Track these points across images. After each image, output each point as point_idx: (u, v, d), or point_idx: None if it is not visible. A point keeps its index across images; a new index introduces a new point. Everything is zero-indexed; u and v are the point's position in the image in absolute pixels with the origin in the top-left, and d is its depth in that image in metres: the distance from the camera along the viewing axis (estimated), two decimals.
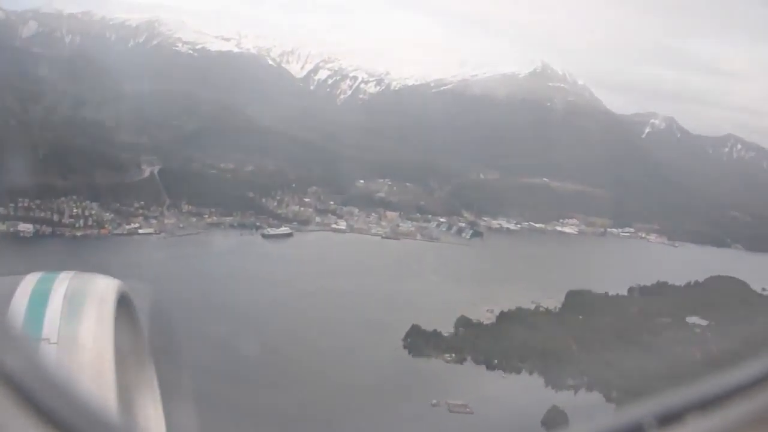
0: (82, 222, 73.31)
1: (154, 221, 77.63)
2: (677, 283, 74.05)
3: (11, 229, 67.04)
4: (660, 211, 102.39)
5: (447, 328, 58.16)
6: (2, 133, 69.20)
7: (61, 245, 66.87)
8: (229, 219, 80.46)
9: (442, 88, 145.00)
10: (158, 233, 75.70)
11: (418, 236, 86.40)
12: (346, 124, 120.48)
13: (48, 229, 69.92)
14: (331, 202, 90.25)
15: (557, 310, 64.86)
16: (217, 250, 71.87)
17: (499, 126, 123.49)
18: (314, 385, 47.86)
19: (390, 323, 57.20)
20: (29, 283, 2.74)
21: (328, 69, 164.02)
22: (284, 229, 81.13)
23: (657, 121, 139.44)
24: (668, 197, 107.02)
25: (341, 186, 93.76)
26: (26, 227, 68.03)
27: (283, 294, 61.83)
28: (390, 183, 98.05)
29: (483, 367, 54.63)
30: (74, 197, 74.47)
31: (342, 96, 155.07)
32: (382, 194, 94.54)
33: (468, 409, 46.16)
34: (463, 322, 59.26)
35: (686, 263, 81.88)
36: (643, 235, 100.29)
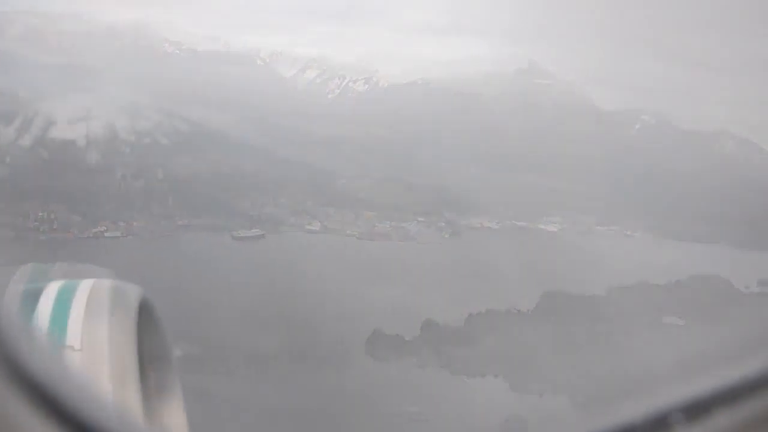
0: (47, 225, 72.07)
1: (122, 224, 76.33)
2: (659, 282, 72.21)
3: None
4: (648, 207, 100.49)
5: (411, 332, 56.46)
6: None
7: (20, 248, 65.48)
8: (200, 221, 79.02)
9: (429, 86, 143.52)
10: (125, 236, 74.35)
11: (394, 236, 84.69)
12: (332, 124, 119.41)
13: (11, 233, 68.69)
14: (309, 202, 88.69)
15: (530, 312, 63.01)
16: (184, 252, 70.48)
17: (485, 123, 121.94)
18: (268, 390, 46.64)
19: (352, 328, 55.52)
20: (52, 290, 2.74)
21: (317, 68, 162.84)
22: (255, 231, 79.59)
23: (647, 117, 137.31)
24: (657, 194, 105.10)
25: (320, 185, 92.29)
26: None
27: (243, 296, 60.36)
28: (371, 182, 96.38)
29: (446, 372, 52.96)
30: (40, 200, 73.31)
31: (330, 95, 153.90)
32: (362, 193, 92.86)
33: (421, 416, 44.50)
34: (429, 326, 57.48)
35: (671, 261, 79.95)
36: (629, 233, 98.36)
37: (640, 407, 1.60)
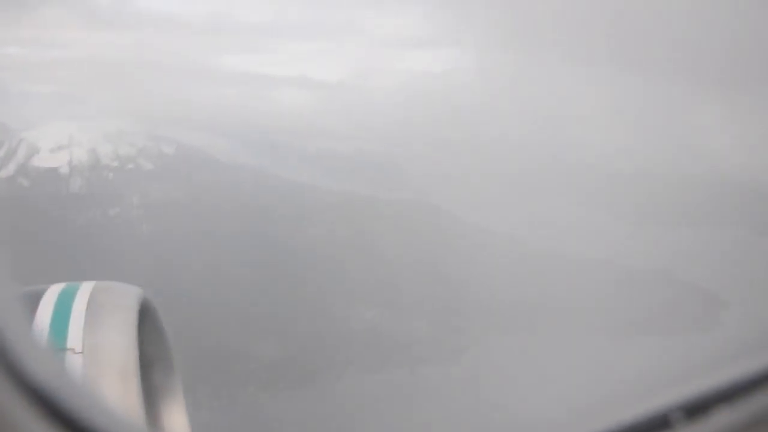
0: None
1: None
2: None
3: None
4: None
5: None
6: None
7: None
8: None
9: (421, 98, 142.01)
10: None
11: None
12: (324, 140, 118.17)
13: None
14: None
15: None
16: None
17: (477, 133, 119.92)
18: None
19: None
20: (53, 294, 2.71)
21: (305, 85, 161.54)
22: None
23: None
24: None
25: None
26: None
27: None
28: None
29: None
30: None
31: (319, 111, 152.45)
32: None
33: None
34: None
35: None
36: None
37: (640, 406, 1.59)
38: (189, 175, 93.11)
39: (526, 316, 59.87)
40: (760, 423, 1.58)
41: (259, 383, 50.20)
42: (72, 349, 2.56)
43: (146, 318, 2.96)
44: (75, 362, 2.50)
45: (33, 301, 2.74)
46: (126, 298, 2.92)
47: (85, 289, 2.85)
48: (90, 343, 2.60)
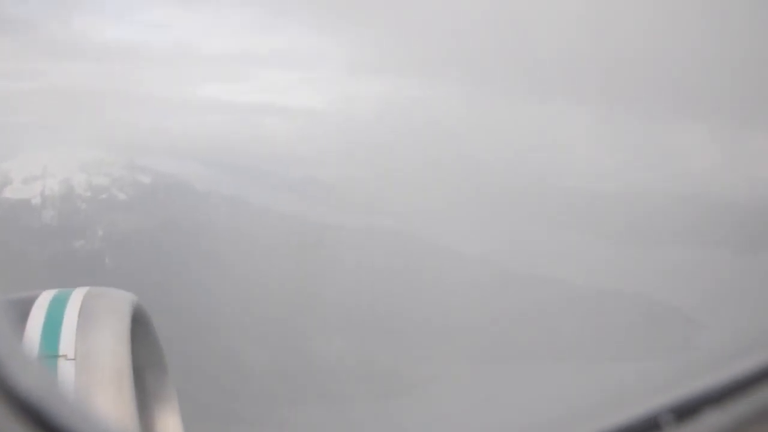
0: None
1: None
2: None
3: None
4: None
5: None
6: None
7: None
8: None
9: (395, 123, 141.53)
10: None
11: None
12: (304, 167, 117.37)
13: None
14: None
15: None
16: None
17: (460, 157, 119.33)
18: None
19: None
20: (44, 300, 2.69)
21: (279, 113, 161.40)
22: None
23: None
24: None
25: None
26: None
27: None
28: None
29: None
30: None
31: (294, 138, 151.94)
32: None
33: None
34: None
35: None
36: None
37: (630, 409, 1.57)
38: (166, 205, 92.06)
39: (498, 342, 58.30)
40: (750, 425, 1.57)
41: (220, 416, 48.51)
42: (64, 356, 2.51)
43: (139, 324, 2.93)
44: (68, 369, 2.44)
45: (24, 307, 2.69)
46: (119, 303, 2.88)
47: (78, 294, 2.82)
48: (83, 350, 2.55)
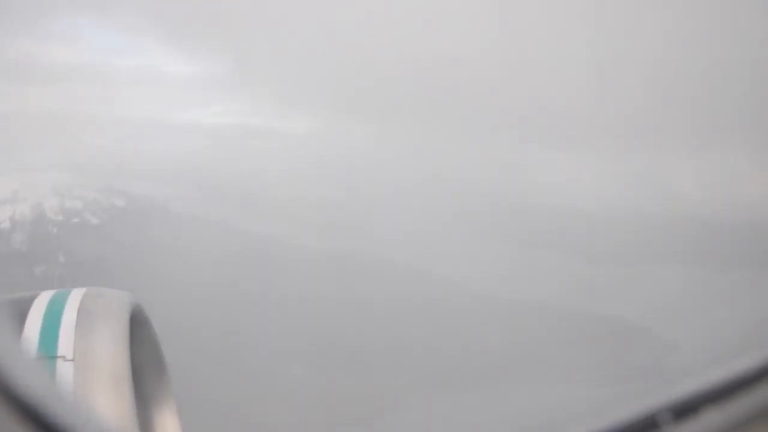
0: None
1: None
2: None
3: None
4: None
5: None
6: None
7: None
8: None
9: None
10: None
11: None
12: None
13: None
14: None
15: None
16: None
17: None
18: None
19: None
20: (43, 301, 2.77)
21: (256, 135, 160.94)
22: None
23: None
24: None
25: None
26: None
27: None
28: None
29: None
30: None
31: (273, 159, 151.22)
32: None
33: None
34: None
35: None
36: None
37: (628, 408, 1.51)
38: (141, 228, 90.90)
39: (466, 369, 56.94)
40: (748, 423, 1.51)
41: None
42: (63, 357, 2.60)
43: (138, 324, 3.04)
44: (66, 370, 2.51)
45: (23, 307, 2.78)
46: (117, 304, 2.98)
47: (76, 295, 2.92)
48: (81, 350, 2.64)
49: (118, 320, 2.76)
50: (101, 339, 2.64)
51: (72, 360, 2.54)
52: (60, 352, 2.57)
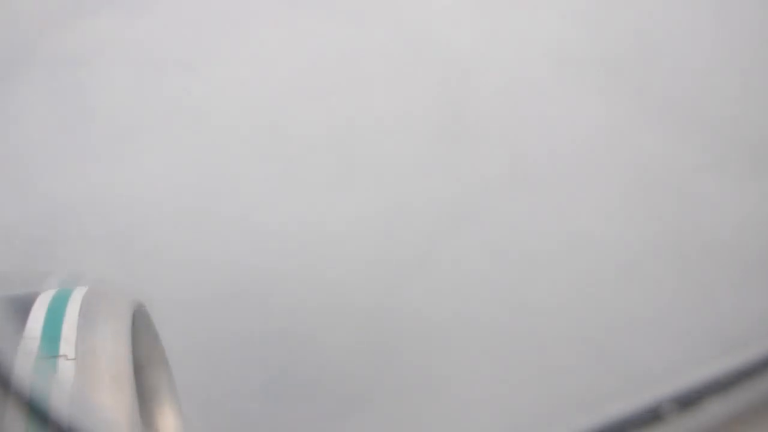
0: None
1: None
2: None
3: None
4: None
5: None
6: None
7: None
8: None
9: None
10: None
11: None
12: None
13: None
14: None
15: None
16: None
17: None
18: None
19: None
20: (45, 298, 2.64)
21: None
22: None
23: None
24: None
25: None
26: None
27: None
28: None
29: None
30: None
31: None
32: None
33: None
34: None
35: None
36: None
37: (631, 398, 1.52)
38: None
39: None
40: (754, 413, 1.50)
41: None
42: (65, 356, 2.43)
43: (141, 321, 2.85)
44: (68, 369, 2.37)
45: (24, 305, 2.59)
46: (120, 301, 2.80)
47: (79, 292, 2.73)
48: (83, 349, 2.48)
49: (122, 318, 2.72)
50: (104, 338, 2.61)
51: (74, 359, 2.49)
52: (62, 351, 2.51)
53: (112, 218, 6.03)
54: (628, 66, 10.16)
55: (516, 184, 7.20)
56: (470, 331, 5.46)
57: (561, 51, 10.11)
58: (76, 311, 2.67)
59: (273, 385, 5.79)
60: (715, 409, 1.50)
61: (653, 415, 1.49)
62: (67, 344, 2.52)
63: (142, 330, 2.69)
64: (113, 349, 2.60)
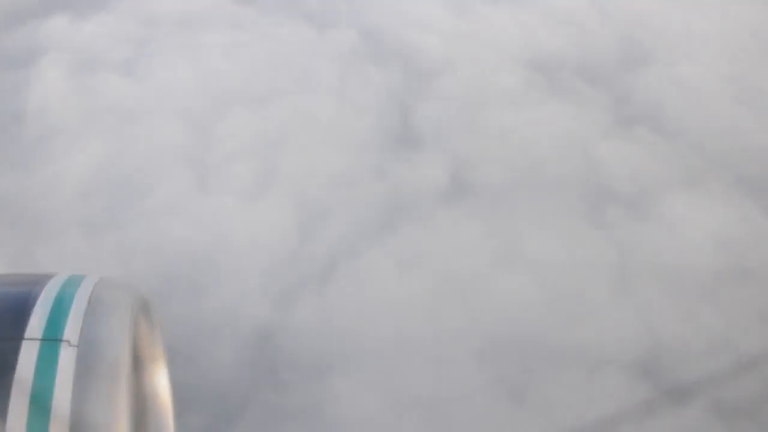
0: None
1: None
2: None
3: None
4: None
5: None
6: None
7: None
8: None
9: None
10: None
11: None
12: None
13: None
14: None
15: None
16: None
17: None
18: None
19: None
20: (56, 282, 2.60)
21: None
22: None
23: None
24: None
25: None
26: None
27: None
28: None
29: None
30: None
31: None
32: None
33: None
34: None
35: None
36: None
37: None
38: None
39: None
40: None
41: None
42: (67, 341, 2.36)
43: (146, 317, 2.68)
44: (69, 355, 2.32)
45: (36, 287, 2.53)
46: (128, 295, 2.68)
47: (89, 281, 2.64)
48: (86, 338, 2.42)
49: (127, 311, 2.56)
50: (107, 329, 2.48)
51: (76, 346, 2.37)
52: (65, 336, 2.38)
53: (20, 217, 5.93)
54: (607, 74, 9.62)
55: (453, 195, 6.73)
56: (359, 356, 5.07)
57: (536, 57, 9.65)
58: (86, 298, 2.62)
59: None
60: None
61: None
62: (71, 330, 2.48)
63: (147, 326, 2.69)
64: (115, 341, 2.56)
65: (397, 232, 6.18)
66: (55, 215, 6.02)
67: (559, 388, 5.28)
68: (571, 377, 5.34)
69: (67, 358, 2.39)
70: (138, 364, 2.62)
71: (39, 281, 2.58)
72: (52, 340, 2.44)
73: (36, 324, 2.39)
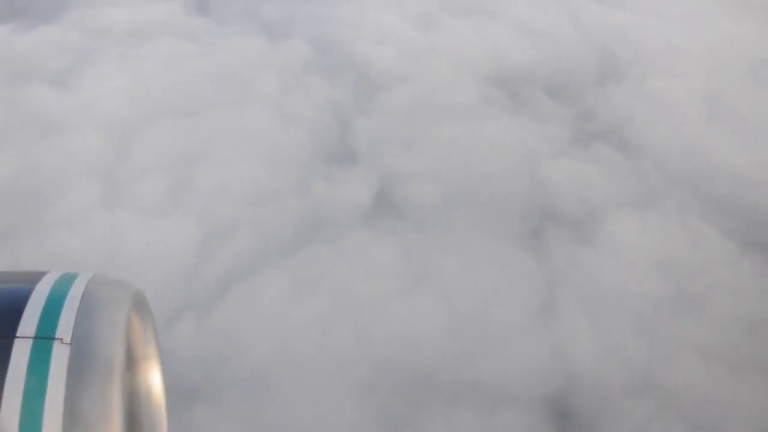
0: None
1: None
2: None
3: None
4: None
5: None
6: None
7: None
8: None
9: None
10: None
11: None
12: None
13: None
14: None
15: None
16: None
17: None
18: None
19: None
20: (49, 280, 2.21)
21: None
22: None
23: None
24: None
25: None
26: None
27: None
28: None
29: None
30: None
31: None
32: None
33: None
34: None
35: None
36: None
37: None
38: None
39: None
40: None
41: None
42: (60, 339, 2.11)
43: (139, 315, 2.25)
44: (62, 353, 2.08)
45: (29, 284, 2.19)
46: (122, 293, 2.26)
47: (82, 279, 2.26)
48: (79, 335, 2.13)
49: (121, 310, 2.05)
50: (100, 327, 2.00)
51: (69, 344, 1.98)
52: (58, 334, 1.99)
53: None
54: (576, 88, 9.09)
55: (373, 214, 6.35)
56: (229, 385, 4.75)
57: (500, 71, 9.21)
58: (79, 296, 2.43)
59: None
60: None
61: None
62: (64, 328, 2.31)
63: (140, 324, 2.60)
64: (108, 339, 2.34)
65: (299, 253, 5.85)
66: None
67: (444, 427, 4.85)
68: (461, 416, 4.89)
69: (59, 356, 2.15)
70: (131, 362, 2.48)
71: (31, 279, 2.46)
72: (44, 338, 2.22)
73: (28, 322, 2.22)
